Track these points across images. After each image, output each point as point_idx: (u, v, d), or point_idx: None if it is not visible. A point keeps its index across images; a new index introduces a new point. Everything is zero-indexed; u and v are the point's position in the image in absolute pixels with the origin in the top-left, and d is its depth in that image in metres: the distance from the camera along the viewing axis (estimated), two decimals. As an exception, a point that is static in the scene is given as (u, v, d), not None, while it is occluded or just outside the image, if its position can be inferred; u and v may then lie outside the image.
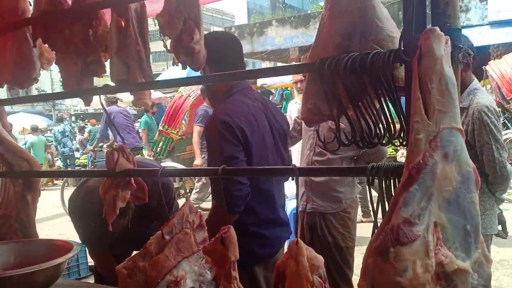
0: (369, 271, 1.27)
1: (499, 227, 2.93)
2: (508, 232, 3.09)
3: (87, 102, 1.89)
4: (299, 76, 4.76)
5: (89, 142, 12.85)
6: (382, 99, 1.43)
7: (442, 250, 1.23)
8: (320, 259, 1.56)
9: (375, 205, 1.44)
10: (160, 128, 10.01)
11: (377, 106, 1.46)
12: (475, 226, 1.28)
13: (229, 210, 1.98)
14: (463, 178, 1.29)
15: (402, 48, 1.34)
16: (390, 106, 1.44)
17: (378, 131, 1.45)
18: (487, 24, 12.25)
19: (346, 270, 2.95)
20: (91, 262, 4.60)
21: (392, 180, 1.43)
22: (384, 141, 1.46)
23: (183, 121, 9.87)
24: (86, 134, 13.43)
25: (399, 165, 1.42)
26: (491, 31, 12.02)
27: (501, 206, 2.92)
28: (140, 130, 10.41)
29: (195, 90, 9.40)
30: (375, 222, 1.43)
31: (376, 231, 1.31)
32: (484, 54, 12.57)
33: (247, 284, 1.81)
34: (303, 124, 3.30)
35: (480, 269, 1.27)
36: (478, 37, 11.05)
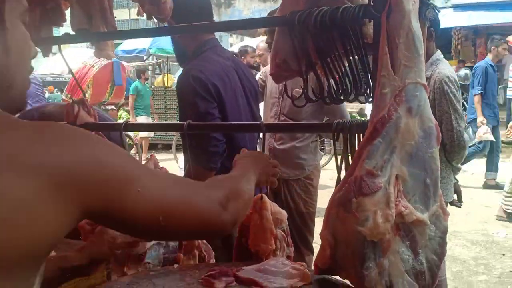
0: (331, 221, 1.29)
1: (454, 196, 3.05)
2: (463, 202, 3.22)
3: (46, 53, 1.80)
4: (263, 49, 4.74)
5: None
6: (350, 55, 1.44)
7: (402, 201, 1.26)
8: (284, 213, 1.57)
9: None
10: (63, 97, 9.84)
11: (345, 63, 1.47)
12: (434, 180, 1.32)
13: (205, 167, 1.96)
14: (425, 133, 1.32)
15: (372, 4, 1.34)
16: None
17: (345, 87, 1.45)
18: (450, 7, 12.50)
19: (307, 235, 3.02)
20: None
21: (356, 136, 1.45)
22: (350, 98, 1.47)
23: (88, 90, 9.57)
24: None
25: (363, 121, 1.44)
26: (454, 14, 12.28)
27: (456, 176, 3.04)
28: (129, 95, 10.16)
29: (99, 62, 9.23)
30: (339, 177, 1.45)
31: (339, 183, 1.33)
32: (447, 37, 12.88)
33: (218, 238, 1.81)
34: (267, 91, 3.28)
35: (437, 221, 1.31)
36: (441, 19, 11.25)
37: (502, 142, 9.73)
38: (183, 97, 2.12)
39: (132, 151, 8.07)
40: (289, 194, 2.97)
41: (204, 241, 1.69)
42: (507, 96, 10.76)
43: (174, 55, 2.67)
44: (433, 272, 1.27)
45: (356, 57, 1.45)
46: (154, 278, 1.36)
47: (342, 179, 1.34)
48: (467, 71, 9.16)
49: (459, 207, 3.09)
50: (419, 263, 1.26)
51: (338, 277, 1.34)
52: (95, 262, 1.30)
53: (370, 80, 1.44)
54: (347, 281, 1.32)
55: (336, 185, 1.38)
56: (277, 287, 1.27)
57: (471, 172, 6.95)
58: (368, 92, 1.46)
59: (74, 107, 1.76)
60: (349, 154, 1.43)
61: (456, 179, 3.04)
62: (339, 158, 1.49)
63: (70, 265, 1.23)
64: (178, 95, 2.19)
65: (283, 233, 1.57)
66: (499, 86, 13.07)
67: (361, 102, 1.50)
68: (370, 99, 1.44)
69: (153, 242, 1.65)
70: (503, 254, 3.95)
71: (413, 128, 1.29)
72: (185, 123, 1.69)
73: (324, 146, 7.69)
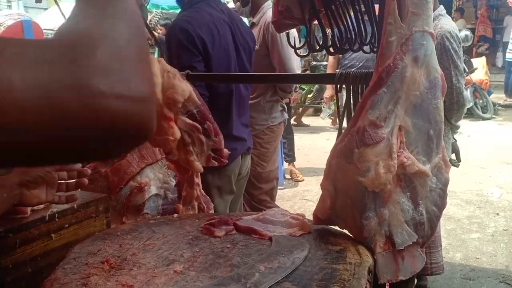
0: (332, 172, 1.28)
1: (453, 156, 3.05)
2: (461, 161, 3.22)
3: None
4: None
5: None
6: (356, 3, 1.39)
7: (404, 153, 1.25)
8: (186, 88, 1.32)
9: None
10: None
11: (350, 11, 1.42)
12: (438, 131, 1.30)
13: None
14: (431, 84, 1.29)
15: None
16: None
17: (349, 36, 1.41)
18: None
19: (250, 194, 2.94)
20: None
21: (359, 87, 1.42)
22: (355, 47, 1.43)
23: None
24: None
25: (367, 72, 1.41)
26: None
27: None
28: None
29: (7, 22, 8.76)
30: (340, 128, 1.43)
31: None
32: (448, 3, 12.58)
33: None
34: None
35: (439, 173, 1.30)
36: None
37: (500, 105, 9.73)
38: (169, 48, 2.07)
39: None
40: None
41: (203, 192, 1.69)
42: (507, 59, 10.68)
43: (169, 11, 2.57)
44: (432, 223, 1.28)
45: (362, 4, 1.40)
46: (154, 226, 1.36)
47: (344, 130, 1.32)
48: (468, 33, 9.01)
49: (457, 166, 3.09)
50: (419, 214, 1.26)
51: (337, 227, 1.34)
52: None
53: (376, 30, 1.39)
54: (346, 231, 1.32)
55: (338, 136, 1.37)
56: (277, 235, 1.27)
57: (468, 134, 6.97)
58: (373, 41, 1.42)
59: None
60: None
61: (454, 138, 3.03)
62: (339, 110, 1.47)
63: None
64: (165, 45, 2.14)
65: (191, 121, 1.34)
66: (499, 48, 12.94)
67: (365, 52, 1.46)
68: (375, 49, 1.40)
69: (152, 192, 1.65)
70: (497, 214, 4.02)
71: (418, 78, 1.26)
72: (184, 72, 1.65)
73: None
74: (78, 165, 1.16)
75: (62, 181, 1.14)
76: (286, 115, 3.17)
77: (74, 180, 1.16)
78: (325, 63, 7.90)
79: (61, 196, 1.14)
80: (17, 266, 1.14)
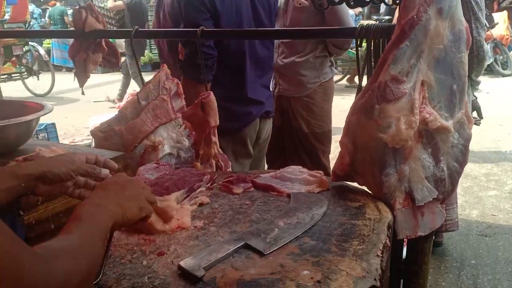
0: (351, 129, 1.26)
1: (474, 114, 2.97)
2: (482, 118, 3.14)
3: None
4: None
5: (52, 26, 11.96)
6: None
7: (426, 108, 1.21)
8: None
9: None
10: None
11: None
12: (462, 86, 1.27)
13: (197, 80, 1.87)
14: (455, 37, 1.24)
15: None
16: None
17: (370, -12, 1.35)
18: None
19: (315, 157, 2.91)
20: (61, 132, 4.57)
21: (381, 41, 1.37)
22: (377, 0, 1.37)
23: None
24: (47, 19, 12.48)
25: (389, 25, 1.36)
26: None
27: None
28: None
29: None
30: (360, 84, 1.40)
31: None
32: None
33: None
34: None
35: (461, 129, 1.27)
36: None
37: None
38: (179, 4, 1.98)
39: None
40: (292, 113, 2.84)
41: (221, 150, 1.69)
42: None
43: None
44: (453, 179, 1.26)
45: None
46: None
47: (364, 85, 1.29)
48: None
49: (478, 124, 3.01)
50: (440, 170, 1.24)
51: (355, 184, 1.34)
52: None
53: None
54: (365, 188, 1.31)
55: (358, 92, 1.34)
56: (295, 192, 1.27)
57: (487, 91, 6.81)
58: (395, -7, 1.36)
59: (82, 13, 1.68)
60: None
61: (474, 96, 2.95)
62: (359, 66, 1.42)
63: None
64: (170, 6, 2.05)
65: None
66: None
67: (387, 5, 1.40)
68: (398, 1, 1.35)
69: (165, 151, 1.65)
70: (515, 171, 3.97)
71: (442, 31, 1.21)
72: (198, 29, 1.61)
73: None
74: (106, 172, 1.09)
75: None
76: (335, 70, 3.02)
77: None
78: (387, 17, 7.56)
79: (81, 191, 1.08)
80: (40, 223, 1.16)
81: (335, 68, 3.09)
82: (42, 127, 3.75)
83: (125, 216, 0.85)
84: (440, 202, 1.27)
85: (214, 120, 1.61)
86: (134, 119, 1.64)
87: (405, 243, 1.42)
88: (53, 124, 3.96)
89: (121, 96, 7.23)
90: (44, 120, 3.91)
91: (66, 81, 8.12)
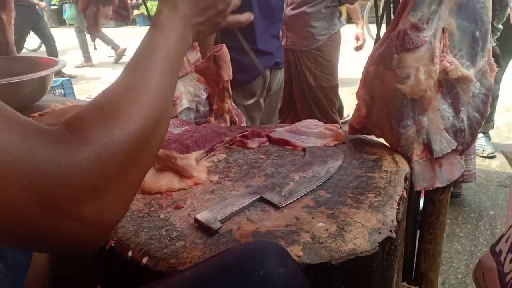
0: (369, 80, 1.23)
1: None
2: (501, 66, 3.05)
3: None
4: None
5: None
6: None
7: (447, 57, 1.17)
8: None
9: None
10: None
11: None
12: (484, 32, 1.21)
13: None
14: (480, -20, 1.17)
15: None
16: None
17: None
18: None
19: (325, 109, 2.86)
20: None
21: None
22: None
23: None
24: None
25: (409, -31, 1.28)
26: None
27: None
28: None
29: None
30: (378, 33, 1.35)
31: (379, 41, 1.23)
32: None
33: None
34: None
35: (483, 78, 1.23)
36: None
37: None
38: None
39: None
40: (300, 66, 2.77)
41: (234, 105, 1.67)
42: None
43: None
44: (473, 129, 1.23)
45: None
46: (188, 138, 1.37)
47: (382, 35, 1.24)
48: None
49: (497, 69, 2.92)
50: (459, 120, 1.21)
51: (372, 137, 1.32)
52: None
53: None
54: (382, 140, 1.29)
55: (376, 42, 1.29)
56: (310, 145, 1.26)
57: None
58: None
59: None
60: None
61: (495, 42, 2.84)
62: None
63: None
64: None
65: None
66: None
67: None
68: None
69: (184, 106, 1.64)
70: (537, 121, 3.88)
71: (466, -27, 1.14)
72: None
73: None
74: None
75: None
76: (343, 21, 2.92)
77: None
78: None
79: None
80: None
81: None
82: (58, 83, 3.77)
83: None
84: (459, 153, 1.25)
85: (227, 74, 1.58)
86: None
87: (422, 195, 1.41)
88: (69, 80, 3.97)
89: None
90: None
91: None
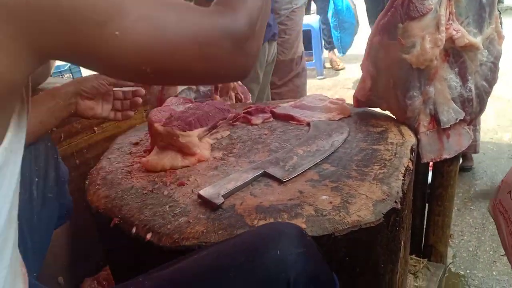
0: (373, 51, 1.20)
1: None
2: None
3: None
4: None
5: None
6: None
7: (453, 25, 1.13)
8: None
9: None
10: None
11: None
12: (492, -2, 1.17)
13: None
14: None
15: None
16: None
17: None
18: None
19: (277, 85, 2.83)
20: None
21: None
22: None
23: None
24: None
25: None
26: None
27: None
28: None
29: None
30: (383, 3, 1.31)
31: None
32: None
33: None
34: None
35: (491, 45, 1.19)
36: None
37: None
38: None
39: None
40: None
41: (240, 82, 1.66)
42: None
43: None
44: (481, 99, 1.20)
45: None
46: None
47: (387, 4, 1.21)
48: None
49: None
50: (467, 90, 1.18)
51: (378, 109, 1.30)
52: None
53: None
54: (387, 112, 1.27)
55: (380, 11, 1.26)
56: (315, 120, 1.25)
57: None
58: None
59: None
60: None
61: (498, 10, 2.76)
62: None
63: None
64: None
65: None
66: None
67: None
68: None
69: (184, 87, 1.63)
70: (551, 93, 3.79)
71: None
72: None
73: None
74: (131, 84, 1.10)
75: (117, 100, 1.10)
76: None
77: (129, 100, 1.12)
78: None
79: (117, 113, 1.08)
80: (65, 159, 1.19)
81: None
82: (66, 68, 3.76)
83: None
84: (467, 124, 1.22)
85: None
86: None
87: (430, 168, 1.40)
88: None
89: None
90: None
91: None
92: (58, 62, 3.60)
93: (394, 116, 1.25)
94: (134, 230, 0.86)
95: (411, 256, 1.44)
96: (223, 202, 0.88)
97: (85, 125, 1.30)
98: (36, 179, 0.93)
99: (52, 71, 1.51)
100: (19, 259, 0.60)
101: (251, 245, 0.66)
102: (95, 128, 1.34)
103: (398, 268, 0.98)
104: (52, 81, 1.56)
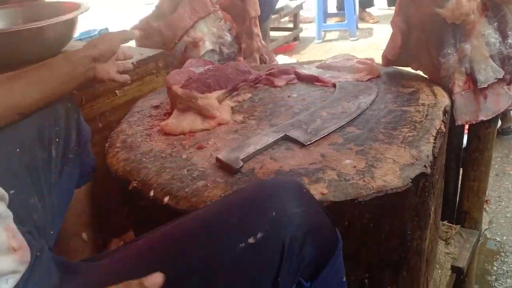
0: (404, 6, 1.12)
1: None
2: None
3: None
4: None
5: None
6: None
7: (495, -27, 1.04)
8: None
9: None
10: None
11: None
12: None
13: None
14: None
15: None
16: None
17: None
18: None
19: None
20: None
21: None
22: None
23: None
24: None
25: None
26: None
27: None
28: None
29: None
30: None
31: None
32: None
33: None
34: None
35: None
36: None
37: None
38: None
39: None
40: None
41: (264, 43, 1.60)
42: None
43: None
44: (523, 56, 1.11)
45: None
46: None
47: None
48: None
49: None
50: (507, 46, 1.09)
51: (409, 69, 1.22)
52: None
53: None
54: (419, 72, 1.20)
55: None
56: (341, 81, 1.19)
57: None
58: None
59: None
60: None
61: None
62: None
63: None
64: None
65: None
66: None
67: None
68: None
69: (207, 48, 1.57)
70: None
71: None
72: None
73: None
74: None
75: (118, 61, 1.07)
76: None
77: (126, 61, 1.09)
78: None
79: (123, 75, 1.07)
80: (88, 122, 1.18)
81: None
82: (96, 33, 3.72)
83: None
84: (506, 83, 1.13)
85: (255, 9, 1.50)
86: (171, 14, 1.56)
87: (466, 130, 1.32)
88: (107, 29, 3.91)
89: None
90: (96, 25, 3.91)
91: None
92: (86, 27, 3.60)
93: (426, 76, 1.17)
94: (152, 193, 0.84)
95: (443, 222, 1.39)
96: (242, 166, 0.85)
97: (107, 88, 1.29)
98: (57, 139, 0.92)
99: (76, 35, 1.49)
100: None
101: (250, 202, 0.63)
102: (117, 91, 1.32)
103: (427, 234, 0.93)
104: (74, 44, 1.54)
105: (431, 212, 0.94)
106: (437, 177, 0.94)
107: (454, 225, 1.39)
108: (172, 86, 1.04)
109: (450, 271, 1.26)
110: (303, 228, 0.59)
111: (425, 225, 0.90)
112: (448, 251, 1.31)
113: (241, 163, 0.85)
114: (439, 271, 1.25)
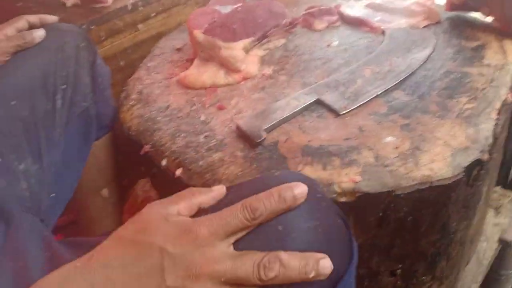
0: None
1: None
2: None
3: None
4: None
5: None
6: None
7: None
8: None
9: None
10: None
11: None
12: None
13: None
14: None
15: None
16: None
17: None
18: None
19: None
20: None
21: None
22: None
23: None
24: None
25: None
26: None
27: None
28: None
29: None
30: None
31: None
32: None
33: None
34: None
35: None
36: None
37: None
38: None
39: None
40: None
41: None
42: None
43: None
44: None
45: None
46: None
47: None
48: None
49: None
50: None
51: (477, 15, 1.02)
52: None
53: None
54: (489, 19, 1.00)
55: None
56: (392, 27, 1.01)
57: None
58: None
59: None
60: None
61: None
62: None
63: None
64: None
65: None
66: None
67: None
68: None
69: None
70: None
71: None
72: None
73: None
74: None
75: None
76: None
77: None
78: None
79: None
80: (108, 60, 1.08)
81: None
82: None
83: None
84: None
85: None
86: None
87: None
88: None
89: None
90: None
91: None
92: None
93: (497, 26, 0.98)
94: (164, 162, 0.76)
95: (495, 189, 1.25)
96: (264, 138, 0.74)
97: (128, 23, 1.16)
98: (64, 86, 0.80)
99: None
100: None
101: None
102: (139, 26, 1.20)
103: (474, 221, 0.82)
104: None
105: (482, 198, 0.81)
106: (494, 155, 0.80)
107: (509, 191, 1.25)
108: (194, 30, 0.91)
109: (497, 243, 1.15)
110: (311, 245, 0.47)
111: (473, 213, 0.79)
112: (497, 221, 1.19)
113: (264, 135, 0.74)
114: (484, 243, 1.14)
